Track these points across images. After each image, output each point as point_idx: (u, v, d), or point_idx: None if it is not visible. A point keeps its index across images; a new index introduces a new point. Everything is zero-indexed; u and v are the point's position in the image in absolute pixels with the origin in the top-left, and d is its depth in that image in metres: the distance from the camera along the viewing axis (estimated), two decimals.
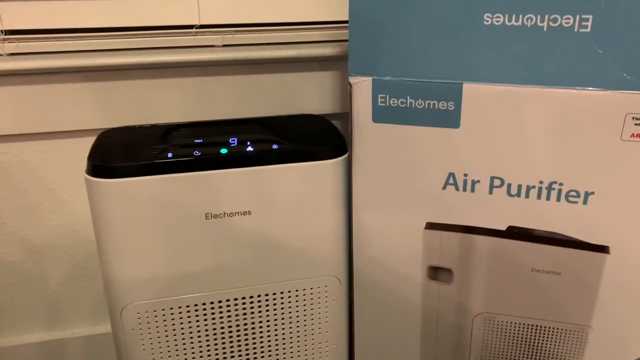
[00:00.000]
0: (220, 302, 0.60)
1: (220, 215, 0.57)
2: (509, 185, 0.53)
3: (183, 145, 0.57)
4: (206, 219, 0.56)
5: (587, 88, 0.47)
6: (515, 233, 0.55)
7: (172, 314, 0.59)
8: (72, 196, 0.72)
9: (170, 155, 0.55)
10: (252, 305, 0.61)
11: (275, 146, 0.57)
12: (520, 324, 0.60)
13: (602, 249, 0.53)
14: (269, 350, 0.64)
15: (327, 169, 0.58)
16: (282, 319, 0.63)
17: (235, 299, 0.61)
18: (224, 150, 0.56)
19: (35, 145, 0.69)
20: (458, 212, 0.57)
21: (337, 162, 0.58)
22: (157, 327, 0.59)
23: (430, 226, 0.58)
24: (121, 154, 0.56)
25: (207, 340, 0.61)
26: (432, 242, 0.59)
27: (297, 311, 0.63)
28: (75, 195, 0.72)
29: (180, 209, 0.56)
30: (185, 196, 0.55)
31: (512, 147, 0.52)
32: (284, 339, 0.64)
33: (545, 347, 0.60)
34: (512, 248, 0.56)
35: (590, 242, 0.53)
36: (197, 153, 0.55)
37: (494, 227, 0.56)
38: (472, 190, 0.55)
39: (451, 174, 0.55)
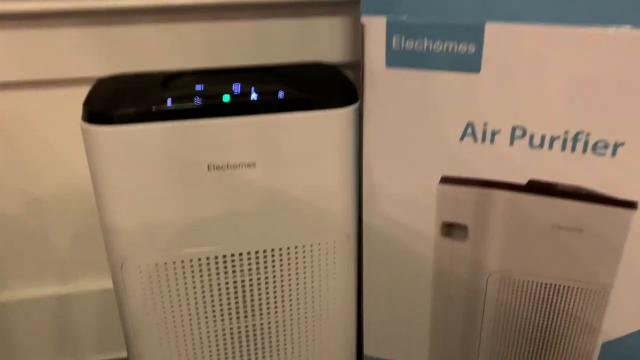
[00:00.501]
0: (224, 256, 0.58)
1: (223, 167, 0.54)
2: (532, 136, 0.50)
3: (184, 92, 0.54)
4: (208, 170, 0.54)
5: (623, 26, 0.43)
6: (536, 187, 0.52)
7: (174, 268, 0.58)
8: (71, 147, 0.70)
9: (169, 101, 0.52)
10: (257, 260, 0.59)
11: (281, 94, 0.54)
12: (537, 283, 0.57)
13: (630, 205, 0.50)
14: (276, 308, 0.62)
15: (336, 119, 0.55)
16: (289, 275, 0.61)
17: (240, 254, 0.59)
18: (226, 98, 0.53)
19: (31, 94, 0.66)
20: (476, 166, 0.53)
21: (347, 112, 0.55)
22: (159, 282, 0.58)
23: (445, 180, 0.55)
24: (119, 100, 0.53)
25: (212, 296, 0.60)
26: (447, 197, 0.56)
27: (304, 268, 0.61)
28: (74, 146, 0.70)
29: (181, 159, 0.53)
30: (185, 146, 0.53)
31: (536, 93, 0.48)
32: (290, 296, 0.62)
33: (564, 307, 0.58)
34: (532, 203, 0.53)
35: (617, 197, 0.50)
36: (198, 100, 0.52)
37: (514, 181, 0.53)
38: (492, 141, 0.52)
39: (470, 124, 0.52)
